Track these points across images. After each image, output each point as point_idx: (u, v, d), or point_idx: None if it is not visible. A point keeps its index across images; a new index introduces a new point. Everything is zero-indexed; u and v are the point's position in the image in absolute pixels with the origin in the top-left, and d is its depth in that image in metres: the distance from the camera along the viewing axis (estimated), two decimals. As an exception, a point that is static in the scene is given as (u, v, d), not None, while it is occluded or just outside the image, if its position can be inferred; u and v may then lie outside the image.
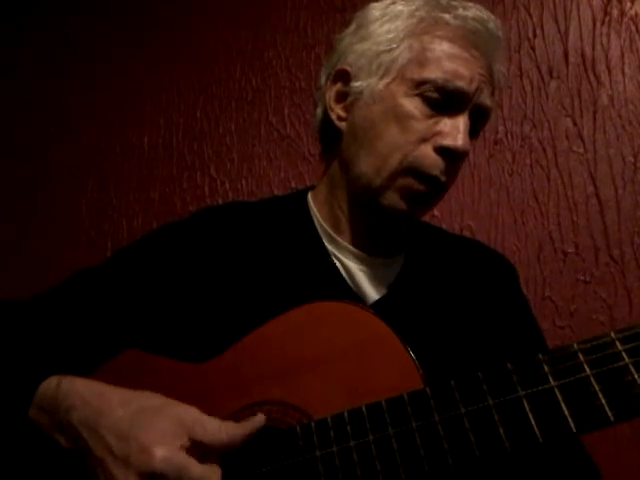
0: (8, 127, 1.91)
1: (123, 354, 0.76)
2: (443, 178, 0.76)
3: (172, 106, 1.74)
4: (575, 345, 0.55)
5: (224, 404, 0.68)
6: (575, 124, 1.33)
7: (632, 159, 1.28)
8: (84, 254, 1.69)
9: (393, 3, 0.80)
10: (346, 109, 0.82)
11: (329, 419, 0.61)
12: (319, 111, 0.88)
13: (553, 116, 1.35)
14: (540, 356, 0.56)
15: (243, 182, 1.61)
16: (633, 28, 1.32)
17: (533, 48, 1.39)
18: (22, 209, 1.82)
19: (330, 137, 0.86)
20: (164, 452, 0.58)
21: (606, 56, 1.33)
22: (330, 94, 0.84)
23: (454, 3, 0.78)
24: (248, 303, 0.77)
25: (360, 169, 0.79)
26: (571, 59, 1.36)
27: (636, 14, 1.32)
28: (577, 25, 1.37)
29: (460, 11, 0.77)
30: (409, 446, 0.57)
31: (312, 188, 0.92)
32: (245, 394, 0.68)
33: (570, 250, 1.29)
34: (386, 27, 0.78)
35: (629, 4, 1.33)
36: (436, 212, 1.38)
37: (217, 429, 0.61)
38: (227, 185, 1.63)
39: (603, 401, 0.52)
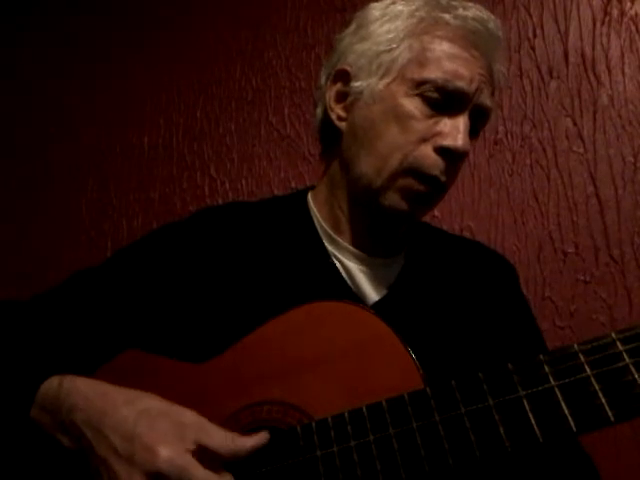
0: (8, 127, 1.91)
1: (123, 354, 0.76)
2: (443, 178, 0.76)
3: (172, 106, 1.74)
4: (576, 346, 0.55)
5: (224, 404, 0.68)
6: (575, 124, 1.33)
7: (632, 159, 1.28)
8: (84, 254, 1.69)
9: (393, 3, 0.80)
10: (346, 109, 0.82)
11: (330, 419, 0.62)
12: (319, 111, 0.88)
13: (553, 116, 1.35)
14: (541, 356, 0.56)
15: (243, 182, 1.61)
16: (633, 28, 1.32)
17: (533, 48, 1.39)
18: (22, 209, 1.82)
19: (330, 137, 0.86)
20: (169, 452, 0.58)
21: (606, 56, 1.33)
22: (330, 94, 0.84)
23: (454, 3, 0.78)
24: (248, 303, 0.77)
25: (360, 169, 0.79)
26: (571, 59, 1.36)
27: (636, 14, 1.32)
28: (577, 25, 1.37)
29: (460, 11, 0.77)
30: (410, 446, 0.57)
31: (312, 188, 0.92)
32: (245, 394, 0.68)
33: (570, 250, 1.29)
34: (386, 27, 0.78)
35: (629, 4, 1.33)
36: (436, 212, 1.38)
37: (222, 437, 0.61)
38: (227, 185, 1.63)
39: (603, 401, 0.52)
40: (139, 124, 1.76)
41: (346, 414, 0.61)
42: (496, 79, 0.81)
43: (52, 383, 0.67)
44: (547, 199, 1.33)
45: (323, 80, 0.87)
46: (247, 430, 0.66)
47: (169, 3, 1.81)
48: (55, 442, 0.65)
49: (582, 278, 1.27)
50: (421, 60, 0.75)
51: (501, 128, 1.39)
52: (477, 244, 0.98)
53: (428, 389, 0.59)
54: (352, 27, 0.84)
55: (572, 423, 0.52)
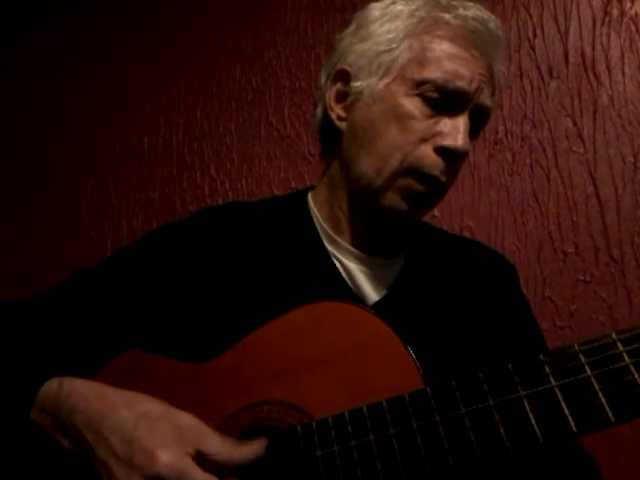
0: (8, 127, 1.91)
1: (124, 354, 0.76)
2: (443, 178, 0.76)
3: (172, 106, 1.74)
4: (576, 346, 0.55)
5: (224, 404, 0.68)
6: (575, 124, 1.33)
7: (632, 159, 1.28)
8: (84, 254, 1.69)
9: (393, 3, 0.80)
10: (346, 109, 0.82)
11: (330, 419, 0.62)
12: (319, 111, 0.88)
13: (553, 116, 1.35)
14: (541, 357, 0.56)
15: (243, 182, 1.61)
16: (633, 28, 1.32)
17: (533, 48, 1.39)
18: (22, 209, 1.82)
19: (330, 137, 0.86)
20: (168, 457, 0.58)
21: (606, 56, 1.33)
22: (330, 94, 0.84)
23: (454, 3, 0.78)
24: (248, 303, 0.77)
25: (360, 169, 0.79)
26: (571, 59, 1.36)
27: (636, 14, 1.32)
28: (577, 25, 1.37)
29: (460, 11, 0.77)
30: (410, 446, 0.57)
31: (312, 188, 0.92)
32: (245, 394, 0.68)
33: (570, 250, 1.29)
34: (386, 27, 0.78)
35: (629, 4, 1.33)
36: (436, 212, 1.38)
37: (220, 444, 0.61)
38: (227, 185, 1.63)
39: (603, 401, 0.52)
40: (139, 124, 1.76)
41: (346, 414, 0.61)
42: (496, 79, 0.81)
43: (52, 385, 0.67)
44: (547, 199, 1.33)
45: (323, 80, 0.87)
46: (247, 430, 0.66)
47: (169, 3, 1.81)
48: (55, 444, 0.65)
49: (582, 278, 1.27)
50: (421, 60, 0.75)
51: (501, 128, 1.39)
52: (477, 244, 0.98)
53: (428, 389, 0.59)
54: (352, 27, 0.84)
55: (572, 423, 0.52)
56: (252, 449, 0.62)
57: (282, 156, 1.59)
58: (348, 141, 0.81)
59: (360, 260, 0.83)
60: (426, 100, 0.75)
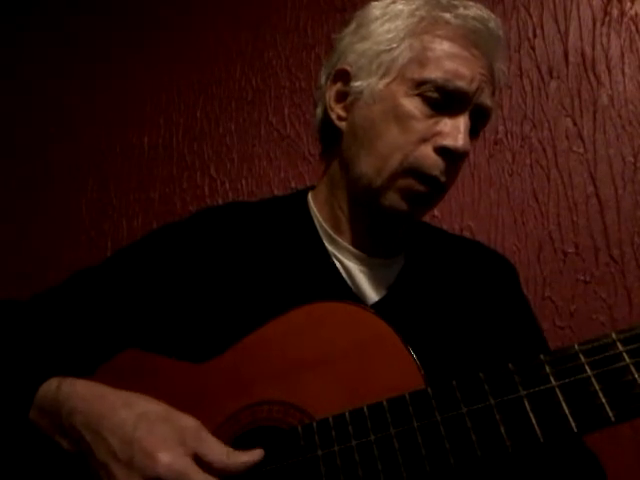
0: (8, 127, 1.91)
1: (123, 354, 0.76)
2: (443, 178, 0.76)
3: (172, 106, 1.74)
4: (576, 346, 0.55)
5: (224, 404, 0.68)
6: (575, 124, 1.33)
7: (632, 159, 1.28)
8: (84, 254, 1.69)
9: (393, 2, 0.80)
10: (346, 109, 0.82)
11: (331, 419, 0.62)
12: (319, 111, 0.87)
13: (553, 116, 1.35)
14: (541, 357, 0.56)
15: (243, 182, 1.61)
16: (633, 28, 1.32)
17: (533, 48, 1.39)
18: (22, 209, 1.82)
19: (330, 137, 0.86)
20: (168, 458, 0.58)
21: (606, 56, 1.33)
22: (330, 94, 0.83)
23: (454, 2, 0.78)
24: (248, 303, 0.77)
25: (360, 169, 0.79)
26: (571, 59, 1.36)
27: (636, 14, 1.32)
28: (577, 25, 1.37)
29: (460, 10, 0.76)
30: (411, 446, 0.57)
31: (312, 188, 0.92)
32: (245, 394, 0.68)
33: (570, 250, 1.29)
34: (386, 26, 0.78)
35: (629, 4, 1.33)
36: (436, 212, 1.38)
37: (217, 450, 0.61)
38: (227, 185, 1.63)
39: (604, 401, 0.52)
40: (139, 124, 1.76)
41: (347, 414, 0.61)
42: (497, 78, 0.81)
43: (51, 385, 0.67)
44: (547, 199, 1.33)
45: (323, 80, 0.87)
46: (247, 430, 0.66)
47: (169, 3, 1.81)
48: (54, 444, 0.65)
49: (582, 278, 1.27)
50: (421, 60, 0.75)
51: (501, 128, 1.39)
52: (477, 244, 0.98)
53: (429, 389, 0.59)
54: (352, 26, 0.84)
55: (573, 423, 0.52)
56: (248, 457, 0.62)
57: (282, 156, 1.59)
58: (348, 141, 0.81)
59: (360, 260, 0.83)
60: (426, 100, 0.75)
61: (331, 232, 0.84)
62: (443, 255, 0.89)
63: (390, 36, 0.77)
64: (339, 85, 0.83)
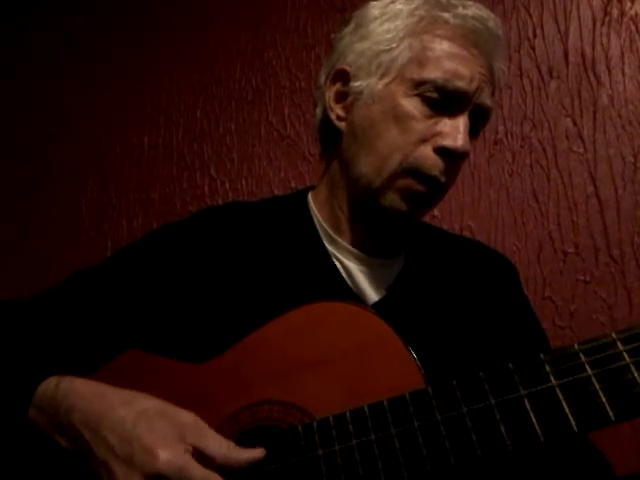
0: (8, 127, 1.91)
1: (124, 354, 0.76)
2: (443, 179, 0.76)
3: (172, 106, 1.74)
4: (576, 345, 0.55)
5: (225, 404, 0.68)
6: (575, 124, 1.33)
7: (632, 159, 1.28)
8: (84, 254, 1.69)
9: (392, 2, 0.80)
10: (346, 109, 0.82)
11: (331, 418, 0.62)
12: (319, 111, 0.87)
13: (553, 116, 1.35)
14: (541, 356, 0.56)
15: (243, 182, 1.61)
16: (633, 28, 1.32)
17: (533, 48, 1.39)
18: (22, 209, 1.82)
19: (330, 137, 0.86)
20: (168, 454, 0.58)
21: (606, 56, 1.33)
22: (329, 94, 0.84)
23: (454, 2, 0.78)
24: (248, 303, 0.77)
25: (360, 169, 0.79)
26: (571, 59, 1.36)
27: (636, 14, 1.32)
28: (577, 25, 1.37)
29: (460, 10, 0.76)
30: (411, 445, 0.57)
31: (312, 188, 0.92)
32: (246, 394, 0.68)
33: (570, 250, 1.29)
34: (385, 26, 0.78)
35: (629, 4, 1.33)
36: (436, 212, 1.38)
37: (218, 444, 0.61)
38: (227, 185, 1.63)
39: (604, 400, 0.52)
40: (139, 124, 1.76)
41: (348, 413, 0.61)
42: (496, 78, 0.81)
43: (50, 384, 0.67)
44: (547, 199, 1.33)
45: (322, 80, 0.86)
46: (248, 430, 0.66)
47: (169, 3, 1.81)
48: (53, 443, 0.65)
49: (582, 278, 1.27)
50: (421, 59, 0.75)
51: (501, 128, 1.39)
52: (477, 244, 0.98)
53: (429, 389, 0.59)
54: (351, 26, 0.84)
55: (573, 422, 0.52)
56: (249, 454, 0.62)
57: (282, 156, 1.59)
58: (348, 141, 0.81)
59: (360, 260, 0.83)
60: (426, 100, 0.75)
61: (331, 232, 0.84)
62: (443, 255, 0.89)
63: (389, 36, 0.77)
64: (338, 85, 0.83)
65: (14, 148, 1.89)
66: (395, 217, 0.79)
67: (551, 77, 1.37)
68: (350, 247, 0.83)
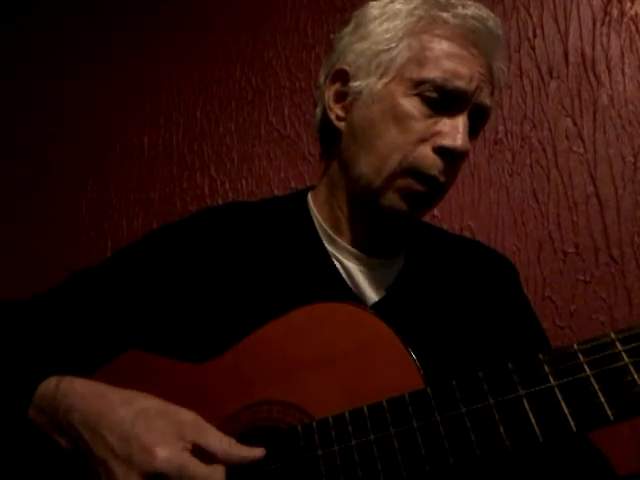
0: (8, 127, 1.91)
1: (124, 354, 0.76)
2: (442, 178, 0.76)
3: (172, 106, 1.74)
4: (575, 345, 0.55)
5: (225, 404, 0.68)
6: (575, 124, 1.33)
7: (632, 159, 1.28)
8: (84, 254, 1.69)
9: (392, 2, 0.80)
10: (345, 109, 0.82)
11: (330, 419, 0.62)
12: (318, 111, 0.87)
13: (553, 116, 1.35)
14: (540, 356, 0.56)
15: (243, 182, 1.61)
16: (633, 28, 1.32)
17: (533, 48, 1.39)
18: (22, 209, 1.82)
19: (329, 137, 0.86)
20: (166, 453, 0.58)
21: (606, 56, 1.33)
22: (329, 94, 0.83)
23: (453, 1, 0.77)
24: (248, 304, 0.77)
25: (360, 169, 0.79)
26: (571, 59, 1.36)
27: (636, 14, 1.32)
28: (577, 25, 1.37)
29: (459, 9, 0.76)
30: (410, 445, 0.57)
31: (312, 188, 0.92)
32: (246, 394, 0.68)
33: (570, 250, 1.29)
34: (385, 26, 0.78)
35: (629, 4, 1.33)
36: (436, 212, 1.38)
37: (219, 440, 0.61)
38: (227, 185, 1.63)
39: (603, 400, 0.52)
40: (139, 124, 1.76)
41: (347, 414, 0.61)
42: (496, 78, 0.81)
43: (50, 384, 0.67)
44: (547, 199, 1.33)
45: (322, 80, 0.86)
46: (247, 430, 0.66)
47: (169, 3, 1.81)
48: (52, 443, 0.65)
49: (582, 278, 1.27)
50: (420, 59, 0.75)
51: (501, 128, 1.39)
52: (477, 244, 0.98)
53: (429, 389, 0.59)
54: (351, 26, 0.83)
55: (572, 422, 0.52)
56: (251, 450, 0.62)
57: (282, 156, 1.59)
58: (347, 141, 0.81)
59: (360, 260, 0.83)
60: (425, 100, 0.75)
61: (331, 232, 0.84)
62: (443, 255, 0.89)
63: (389, 36, 0.77)
64: (338, 85, 0.83)
65: (14, 148, 1.89)
66: (395, 217, 0.79)
67: (551, 77, 1.37)
68: (350, 247, 0.83)
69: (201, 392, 0.70)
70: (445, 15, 0.76)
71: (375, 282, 0.82)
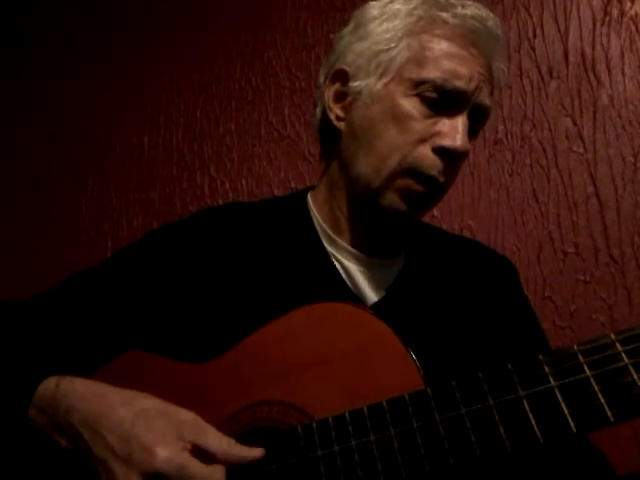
0: (8, 127, 1.91)
1: (124, 354, 0.76)
2: (442, 179, 0.76)
3: (172, 106, 1.74)
4: (575, 346, 0.55)
5: (225, 404, 0.68)
6: (575, 124, 1.33)
7: (632, 159, 1.28)
8: (84, 254, 1.69)
9: (391, 2, 0.80)
10: (345, 109, 0.82)
11: (330, 419, 0.62)
12: (318, 111, 0.87)
13: (553, 116, 1.35)
14: (540, 357, 0.56)
15: (243, 182, 1.61)
16: (633, 28, 1.32)
17: (533, 48, 1.39)
18: (22, 209, 1.82)
19: (329, 137, 0.86)
20: (166, 452, 0.58)
21: (606, 56, 1.33)
22: (328, 94, 0.83)
23: (452, 1, 0.77)
24: (248, 304, 0.77)
25: (359, 169, 0.79)
26: (571, 59, 1.36)
27: (636, 14, 1.32)
28: (577, 25, 1.37)
29: (459, 9, 0.76)
30: (410, 446, 0.57)
31: (312, 188, 0.92)
32: (245, 394, 0.68)
33: (570, 250, 1.29)
34: (384, 26, 0.78)
35: (629, 4, 1.33)
36: (436, 212, 1.38)
37: (219, 440, 0.61)
38: (227, 185, 1.63)
39: (603, 401, 0.52)
40: (139, 124, 1.76)
41: (347, 414, 0.61)
42: (496, 77, 0.81)
43: (49, 384, 0.67)
44: (547, 199, 1.33)
45: (322, 80, 0.86)
46: (247, 430, 0.66)
47: (169, 3, 1.81)
48: (52, 443, 0.65)
49: (582, 278, 1.27)
50: (420, 59, 0.75)
51: (501, 128, 1.39)
52: (477, 244, 0.98)
53: (429, 389, 0.59)
54: (350, 26, 0.83)
55: (572, 423, 0.52)
56: (250, 450, 0.62)
57: (282, 156, 1.59)
58: (347, 141, 0.81)
59: (359, 261, 0.83)
60: (424, 100, 0.75)
61: (330, 232, 0.84)
62: (443, 255, 0.89)
63: (388, 36, 0.77)
64: (337, 85, 0.83)
65: (14, 148, 1.89)
66: (394, 217, 0.79)
67: (551, 77, 1.37)
68: (349, 247, 0.83)
69: (201, 392, 0.70)
70: (444, 15, 0.76)
71: (375, 282, 0.82)
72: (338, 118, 0.82)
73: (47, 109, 1.88)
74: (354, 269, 0.82)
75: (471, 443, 0.55)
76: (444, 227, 1.28)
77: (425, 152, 0.75)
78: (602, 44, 1.34)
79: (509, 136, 1.38)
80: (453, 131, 0.74)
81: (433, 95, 0.74)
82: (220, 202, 1.59)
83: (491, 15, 0.79)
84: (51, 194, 1.80)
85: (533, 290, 1.28)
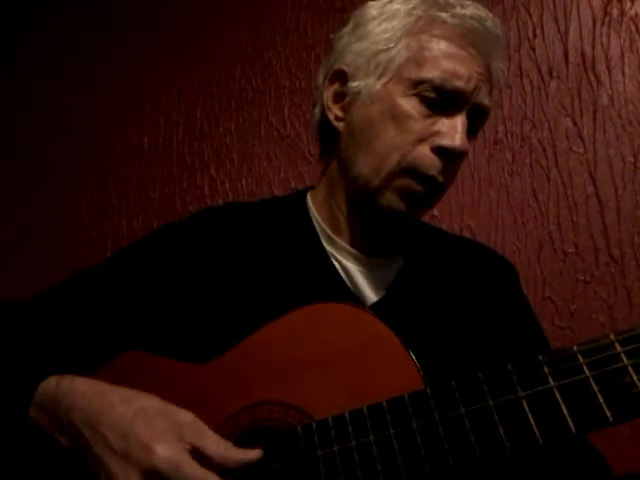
0: (8, 127, 1.91)
1: (124, 354, 0.76)
2: (441, 178, 0.76)
3: (172, 106, 1.74)
4: (575, 347, 0.55)
5: (225, 404, 0.68)
6: (575, 124, 1.33)
7: (632, 159, 1.28)
8: (84, 254, 1.69)
9: (390, 2, 0.80)
10: (344, 109, 0.82)
11: (330, 419, 0.62)
12: (317, 111, 0.87)
13: (553, 116, 1.35)
14: (540, 357, 0.56)
15: (243, 182, 1.61)
16: (633, 28, 1.32)
17: (533, 48, 1.39)
18: (22, 209, 1.82)
19: (328, 137, 0.86)
20: (165, 450, 0.58)
21: (606, 56, 1.33)
22: (328, 94, 0.83)
23: (452, 1, 0.77)
24: (248, 304, 0.77)
25: (358, 169, 0.79)
26: (571, 59, 1.36)
27: (636, 14, 1.32)
28: (577, 25, 1.37)
29: (458, 9, 0.76)
30: (410, 446, 0.57)
31: (312, 188, 0.92)
32: (245, 395, 0.68)
33: (570, 250, 1.29)
34: (383, 26, 0.78)
35: (629, 4, 1.33)
36: (436, 212, 1.38)
37: (216, 443, 0.61)
38: (227, 185, 1.63)
39: (602, 401, 0.52)
40: (139, 124, 1.76)
41: (347, 414, 0.61)
42: (495, 77, 0.81)
43: (50, 383, 0.67)
44: (547, 199, 1.33)
45: (321, 80, 0.86)
46: (247, 430, 0.66)
47: (169, 3, 1.81)
48: (53, 442, 0.65)
49: (582, 278, 1.27)
50: (418, 59, 0.75)
51: (501, 128, 1.39)
52: (476, 244, 0.98)
53: (428, 390, 0.59)
54: (350, 26, 0.83)
55: (571, 424, 0.52)
56: (247, 453, 0.62)
57: (282, 156, 1.59)
58: (346, 141, 0.81)
59: (359, 260, 0.83)
60: (423, 100, 0.75)
61: (330, 232, 0.84)
62: (442, 255, 0.89)
63: (387, 36, 0.77)
64: (337, 85, 0.83)
65: (14, 148, 1.89)
66: (393, 217, 0.79)
67: (551, 77, 1.37)
68: (349, 247, 0.83)
69: (201, 392, 0.70)
70: (443, 15, 0.76)
71: (374, 282, 0.82)
72: (337, 118, 0.82)
73: (47, 109, 1.88)
74: (353, 269, 0.82)
75: (471, 443, 0.55)
76: (444, 227, 1.28)
77: (424, 152, 0.75)
78: (602, 44, 1.34)
79: (509, 136, 1.38)
80: (452, 131, 0.74)
81: (432, 95, 0.74)
82: (220, 202, 1.59)
83: (490, 15, 0.79)
84: (51, 194, 1.81)
85: (533, 290, 1.28)
